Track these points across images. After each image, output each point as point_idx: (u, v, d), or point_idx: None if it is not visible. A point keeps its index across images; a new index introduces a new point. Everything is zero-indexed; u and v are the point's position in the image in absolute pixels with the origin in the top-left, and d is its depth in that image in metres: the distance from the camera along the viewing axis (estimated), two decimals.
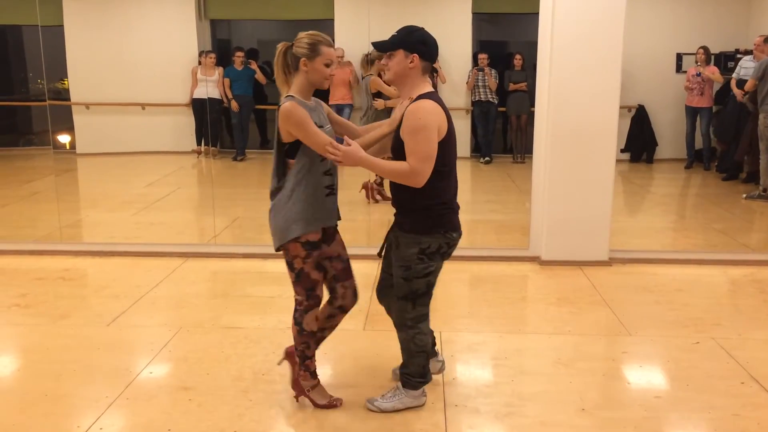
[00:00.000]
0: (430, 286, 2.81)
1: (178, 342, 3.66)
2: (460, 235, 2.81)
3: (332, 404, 2.96)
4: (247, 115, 9.05)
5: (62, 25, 9.19)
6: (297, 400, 3.00)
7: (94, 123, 9.55)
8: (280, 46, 2.81)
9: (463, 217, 2.87)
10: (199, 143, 9.28)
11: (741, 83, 7.78)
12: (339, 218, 3.00)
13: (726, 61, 8.82)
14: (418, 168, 2.59)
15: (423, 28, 2.72)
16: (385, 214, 6.33)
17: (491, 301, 4.31)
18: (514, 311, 4.17)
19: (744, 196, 7.17)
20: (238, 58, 9.06)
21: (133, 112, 9.39)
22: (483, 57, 9.19)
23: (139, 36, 9.45)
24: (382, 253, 2.99)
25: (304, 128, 2.68)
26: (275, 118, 2.79)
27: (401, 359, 2.95)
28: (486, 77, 9.16)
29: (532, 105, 5.18)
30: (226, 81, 9.00)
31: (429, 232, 2.72)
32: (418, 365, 2.89)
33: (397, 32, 2.72)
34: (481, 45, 9.74)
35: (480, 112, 9.28)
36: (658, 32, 9.28)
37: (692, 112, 8.78)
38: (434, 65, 2.82)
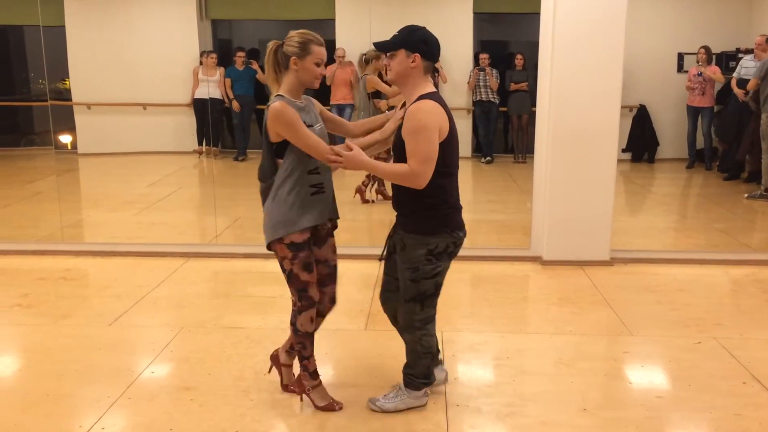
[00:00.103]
0: (438, 287, 2.80)
1: (180, 342, 3.66)
2: (465, 234, 2.80)
3: (331, 407, 2.94)
4: (248, 115, 9.05)
5: (64, 26, 9.20)
6: (301, 399, 2.99)
7: (96, 123, 9.56)
8: (270, 45, 2.79)
9: (464, 216, 2.87)
10: (200, 143, 9.28)
11: (741, 83, 7.77)
12: (336, 216, 2.97)
13: (727, 60, 8.81)
14: (418, 170, 2.58)
15: (424, 28, 2.71)
16: (385, 214, 6.34)
17: (493, 301, 4.31)
18: (515, 311, 4.16)
19: (746, 195, 7.16)
20: (240, 58, 9.06)
21: (134, 112, 9.39)
22: (484, 57, 9.19)
23: (140, 36, 9.46)
24: (384, 257, 2.96)
25: (294, 130, 2.65)
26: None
27: (405, 359, 2.94)
28: (487, 77, 9.16)
29: (534, 105, 5.18)
30: (228, 81, 9.00)
31: (435, 233, 2.71)
32: (424, 366, 2.88)
33: (398, 32, 2.71)
34: (482, 45, 9.74)
35: (481, 111, 9.28)
36: (660, 32, 9.27)
37: (694, 112, 8.78)
38: (435, 65, 2.81)
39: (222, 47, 9.99)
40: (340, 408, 2.94)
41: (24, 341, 3.74)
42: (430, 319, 2.85)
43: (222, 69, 9.11)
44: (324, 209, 2.86)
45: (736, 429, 2.82)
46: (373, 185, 6.80)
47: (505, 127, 9.85)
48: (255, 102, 9.19)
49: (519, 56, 9.37)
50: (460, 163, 2.81)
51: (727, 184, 8.00)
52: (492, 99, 9.24)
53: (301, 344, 2.90)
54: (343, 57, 8.25)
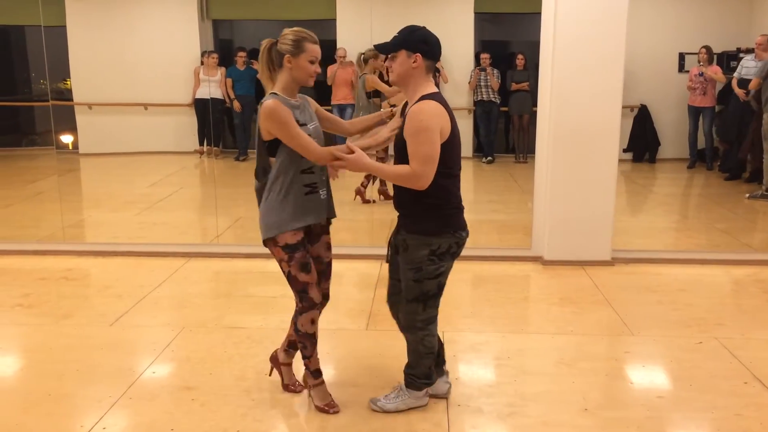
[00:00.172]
0: (441, 287, 2.79)
1: (181, 342, 3.67)
2: (467, 234, 2.79)
3: (327, 409, 2.92)
4: (249, 115, 9.05)
5: (65, 26, 9.21)
6: (309, 395, 3.00)
7: (97, 123, 9.57)
8: (264, 43, 2.78)
9: (465, 216, 2.86)
10: (201, 143, 9.28)
11: (742, 83, 7.77)
12: (332, 216, 2.95)
13: (729, 60, 8.81)
14: (420, 170, 2.57)
15: (424, 27, 2.70)
16: (386, 214, 6.34)
17: (494, 301, 4.31)
18: (516, 311, 4.16)
19: (747, 195, 7.16)
20: (241, 58, 9.07)
21: (135, 113, 9.40)
22: (485, 57, 9.19)
23: (141, 36, 9.46)
24: (389, 259, 2.93)
25: (286, 129, 2.64)
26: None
27: (406, 360, 2.93)
28: (488, 77, 9.16)
29: (535, 105, 5.18)
30: (229, 81, 9.01)
31: (438, 233, 2.70)
32: (425, 366, 2.88)
33: (398, 33, 2.70)
34: (483, 45, 9.74)
35: (482, 111, 9.28)
36: (661, 32, 9.27)
37: (695, 112, 8.77)
38: (437, 65, 2.80)
39: (223, 47, 10.00)
40: (336, 412, 2.91)
41: (25, 341, 3.74)
42: (432, 320, 2.84)
43: (223, 69, 9.11)
44: (319, 209, 2.84)
45: (737, 429, 2.82)
46: (373, 184, 6.80)
47: (506, 127, 9.85)
48: (256, 102, 9.11)
49: (520, 56, 9.37)
50: (461, 163, 2.81)
51: (729, 184, 8.00)
52: (493, 99, 9.24)
53: (302, 344, 2.90)
54: (344, 57, 8.25)
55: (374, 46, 2.78)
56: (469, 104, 9.41)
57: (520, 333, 3.81)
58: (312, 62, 2.73)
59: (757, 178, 7.54)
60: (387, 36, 2.76)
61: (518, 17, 10.08)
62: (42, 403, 3.02)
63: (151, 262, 5.04)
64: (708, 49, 8.53)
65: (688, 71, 8.96)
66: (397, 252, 2.83)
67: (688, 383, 3.20)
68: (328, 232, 2.98)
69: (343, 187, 7.05)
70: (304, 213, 2.78)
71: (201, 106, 9.08)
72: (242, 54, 9.09)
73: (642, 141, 9.42)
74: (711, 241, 5.78)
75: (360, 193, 6.74)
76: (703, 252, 5.21)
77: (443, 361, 3.06)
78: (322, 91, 8.76)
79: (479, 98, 9.26)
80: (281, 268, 2.83)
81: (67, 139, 9.36)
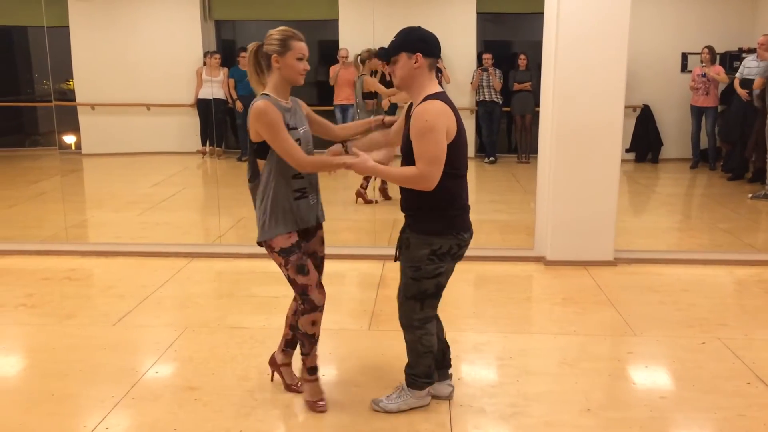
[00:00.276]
0: (440, 288, 2.79)
1: (184, 342, 3.67)
2: (471, 235, 2.78)
3: (315, 405, 2.92)
4: None
5: (68, 26, 9.23)
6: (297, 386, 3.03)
7: (100, 123, 9.59)
8: (250, 46, 2.78)
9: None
10: (204, 143, 9.30)
11: (744, 83, 7.76)
12: (321, 219, 2.97)
13: (731, 60, 8.79)
14: (426, 171, 2.55)
15: (420, 27, 2.69)
16: (389, 214, 6.33)
17: (496, 301, 4.31)
18: (519, 311, 4.16)
19: (750, 196, 7.15)
20: (243, 58, 9.06)
21: (138, 113, 9.42)
22: (487, 57, 9.19)
23: (144, 37, 9.48)
24: (397, 258, 2.94)
25: (273, 132, 2.63)
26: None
27: (407, 360, 2.94)
28: (490, 77, 9.16)
29: (537, 105, 5.18)
30: (231, 81, 9.02)
31: (441, 234, 2.69)
32: (425, 366, 2.88)
33: (395, 37, 2.69)
34: (485, 45, 9.74)
35: (484, 112, 9.28)
36: (664, 31, 9.26)
37: (697, 112, 8.76)
38: (438, 65, 2.80)
39: (225, 48, 10.02)
40: (322, 410, 2.91)
41: (28, 341, 3.75)
42: (430, 319, 2.84)
43: (225, 69, 9.13)
44: (308, 214, 2.84)
45: (740, 429, 2.81)
46: (375, 180, 6.79)
47: (508, 127, 9.86)
48: None
49: (522, 56, 9.37)
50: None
51: (731, 184, 7.99)
52: (495, 99, 9.24)
53: (300, 342, 2.92)
54: (347, 57, 8.26)
55: (375, 55, 2.78)
56: (471, 104, 9.41)
57: (523, 333, 3.81)
58: (300, 59, 2.71)
59: (760, 178, 7.52)
60: (389, 36, 2.76)
61: (520, 17, 10.08)
62: (45, 403, 3.03)
63: (154, 263, 5.05)
64: (711, 49, 8.52)
65: (690, 71, 8.95)
66: (400, 249, 2.84)
67: (690, 384, 3.20)
68: (321, 227, 2.99)
69: (345, 187, 7.06)
70: (294, 217, 2.79)
71: (203, 107, 9.09)
72: (245, 54, 9.07)
73: (645, 141, 9.41)
74: (714, 241, 5.78)
75: (361, 194, 6.74)
76: (706, 252, 5.20)
77: (449, 364, 3.06)
78: (324, 92, 8.78)
79: (481, 98, 9.26)
80: (281, 271, 2.84)
81: (69, 139, 9.38)
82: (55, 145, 8.04)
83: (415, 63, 2.64)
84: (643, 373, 3.35)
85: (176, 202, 7.39)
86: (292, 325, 3.05)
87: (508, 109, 9.43)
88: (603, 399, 3.06)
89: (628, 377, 3.30)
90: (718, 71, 8.47)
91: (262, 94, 2.73)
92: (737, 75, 7.95)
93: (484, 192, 7.77)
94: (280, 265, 2.81)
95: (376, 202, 6.72)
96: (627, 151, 9.22)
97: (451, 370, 3.09)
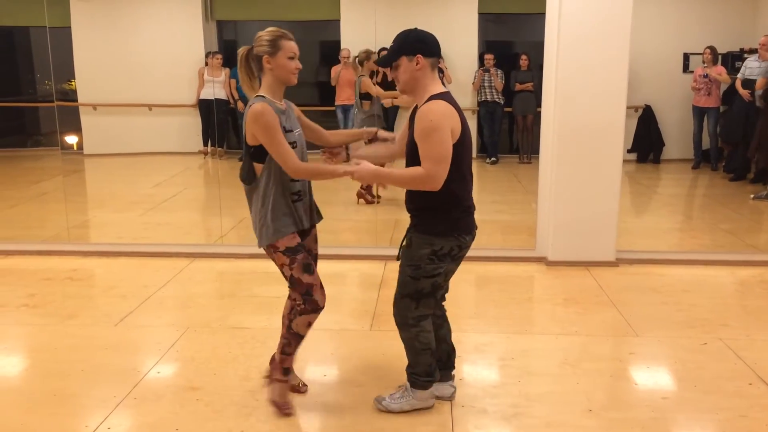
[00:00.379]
0: (436, 288, 2.79)
1: (186, 342, 3.67)
2: (473, 237, 2.77)
3: (282, 408, 2.88)
4: None
5: (70, 27, 9.24)
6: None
7: (102, 124, 9.60)
8: (240, 51, 2.76)
9: None
10: (205, 144, 9.31)
11: (746, 83, 7.75)
12: (319, 218, 2.98)
13: (733, 60, 8.79)
14: (433, 171, 2.54)
15: (416, 28, 2.68)
16: (391, 214, 6.34)
17: (498, 302, 4.31)
18: (520, 312, 4.16)
19: (752, 196, 7.15)
20: None
21: (140, 113, 9.43)
22: (489, 57, 9.20)
23: (145, 37, 9.49)
24: (399, 257, 2.95)
25: (270, 135, 2.61)
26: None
27: (407, 360, 2.94)
28: (492, 78, 9.16)
29: (539, 105, 5.18)
30: (233, 82, 9.02)
31: (442, 235, 2.69)
32: (425, 364, 2.87)
33: (393, 42, 2.69)
34: (487, 45, 9.75)
35: (486, 112, 9.28)
36: (665, 32, 9.26)
37: (699, 113, 8.76)
38: (440, 66, 2.79)
39: (227, 48, 10.02)
40: (288, 414, 2.88)
41: (30, 341, 3.76)
42: (425, 317, 2.83)
43: (227, 70, 9.13)
44: (305, 214, 2.86)
45: (742, 430, 2.81)
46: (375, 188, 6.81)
47: (510, 127, 9.86)
48: None
49: (524, 56, 9.37)
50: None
51: (733, 184, 7.98)
52: (497, 99, 9.24)
53: (287, 340, 2.89)
54: (348, 58, 8.26)
55: (375, 62, 2.77)
56: (472, 105, 9.42)
57: (525, 334, 3.81)
58: (291, 58, 2.70)
59: (762, 178, 7.52)
60: (391, 36, 2.76)
61: (522, 18, 10.08)
62: (47, 403, 3.03)
63: (156, 263, 5.05)
64: (712, 49, 8.52)
65: (692, 72, 8.95)
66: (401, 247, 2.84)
67: (692, 384, 3.19)
68: (314, 226, 3.00)
69: (347, 188, 7.05)
70: (294, 219, 2.80)
71: (205, 107, 9.10)
72: None
73: (646, 141, 9.41)
74: (715, 241, 5.77)
75: (362, 195, 6.74)
76: (708, 253, 5.20)
77: (452, 366, 3.06)
78: (326, 92, 8.78)
79: (483, 99, 9.26)
80: (283, 273, 2.83)
81: (71, 139, 9.39)
82: (57, 146, 8.06)
83: (417, 65, 2.63)
84: (644, 373, 3.35)
85: (178, 202, 7.39)
86: None
87: (509, 109, 9.43)
88: (605, 399, 3.06)
89: (629, 378, 3.30)
90: (719, 72, 8.46)
91: (258, 95, 2.72)
92: (739, 75, 7.95)
93: (486, 192, 7.77)
94: (283, 265, 2.80)
95: (378, 202, 6.72)
96: (629, 151, 9.23)
97: (453, 372, 3.09)
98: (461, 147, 2.62)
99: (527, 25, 10.17)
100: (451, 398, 3.03)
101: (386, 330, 3.79)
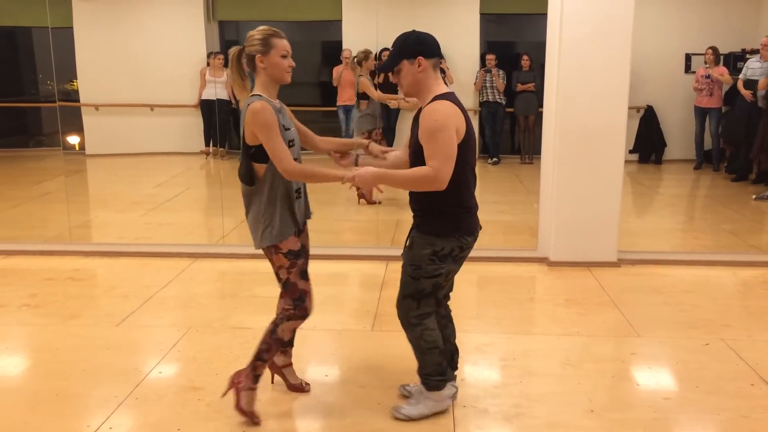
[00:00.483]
0: (437, 288, 2.79)
1: (187, 342, 3.68)
2: (475, 238, 2.76)
3: (252, 418, 2.81)
4: None
5: (72, 27, 9.25)
6: (224, 394, 2.88)
7: (104, 124, 9.61)
8: (232, 51, 2.74)
9: None
10: (207, 144, 9.32)
11: (748, 83, 7.74)
12: (309, 216, 2.97)
13: (735, 61, 8.78)
14: (439, 170, 2.52)
15: (414, 30, 2.67)
16: (392, 215, 6.34)
17: (499, 302, 4.30)
18: (522, 312, 4.16)
19: (754, 197, 7.14)
20: None
21: (141, 113, 9.44)
22: (490, 58, 9.20)
23: (147, 37, 9.50)
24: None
25: (269, 133, 2.59)
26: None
27: (412, 361, 2.92)
28: (493, 78, 9.16)
29: (540, 105, 5.18)
30: None
31: (444, 235, 2.68)
32: (433, 363, 2.85)
33: (392, 47, 2.68)
34: (488, 46, 9.75)
35: (488, 112, 9.28)
36: (667, 32, 9.25)
37: (701, 113, 8.75)
38: (442, 66, 2.78)
39: (229, 48, 10.00)
40: (257, 423, 2.82)
41: (32, 341, 3.76)
42: (427, 315, 2.81)
43: (229, 70, 9.12)
44: (303, 211, 2.87)
45: (743, 431, 2.81)
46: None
47: (511, 128, 9.86)
48: None
49: (525, 57, 9.37)
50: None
51: (735, 185, 7.97)
52: (498, 100, 9.24)
53: (266, 345, 2.81)
54: (350, 58, 8.26)
55: (376, 68, 2.76)
56: (474, 105, 9.41)
57: (526, 334, 3.81)
58: (284, 56, 2.68)
59: (764, 179, 7.52)
60: (392, 37, 2.75)
61: (524, 18, 10.08)
62: (49, 403, 3.03)
63: (158, 263, 5.06)
64: (714, 50, 8.51)
65: (694, 72, 8.94)
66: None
67: (694, 385, 3.19)
68: (306, 222, 2.99)
69: (347, 188, 7.04)
70: (299, 216, 2.80)
71: (207, 107, 9.10)
72: None
73: (648, 142, 9.40)
74: (717, 242, 5.77)
75: (363, 195, 6.74)
76: (710, 253, 5.19)
77: (455, 367, 3.05)
78: (327, 92, 8.78)
79: (485, 99, 9.26)
80: (278, 275, 2.81)
81: (73, 140, 9.40)
82: (59, 146, 8.07)
83: (419, 67, 2.62)
84: (646, 374, 3.34)
85: (180, 202, 7.40)
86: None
87: (511, 109, 9.43)
88: (606, 400, 3.06)
89: (631, 378, 3.30)
90: (721, 72, 8.46)
91: (255, 94, 2.70)
92: (740, 76, 7.94)
93: (488, 193, 7.77)
94: (281, 267, 2.78)
95: (380, 203, 6.72)
96: (630, 152, 9.23)
97: (456, 372, 3.08)
98: (466, 147, 2.61)
99: (529, 25, 10.17)
100: (453, 398, 3.03)
101: (388, 330, 3.79)
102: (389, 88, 6.99)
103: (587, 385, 3.19)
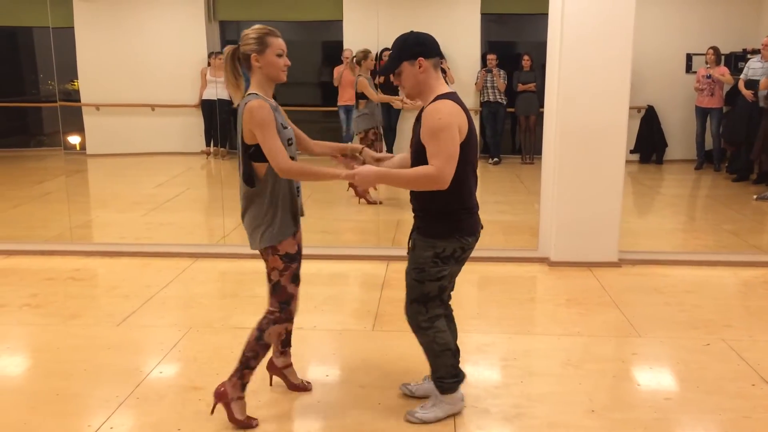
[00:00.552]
0: (442, 290, 2.78)
1: (188, 342, 3.68)
2: (476, 239, 2.76)
3: (249, 424, 2.80)
4: None
5: (73, 27, 9.25)
6: (212, 411, 2.86)
7: (105, 124, 9.61)
8: (227, 50, 2.72)
9: None
10: (208, 144, 9.31)
11: (749, 84, 7.74)
12: (303, 213, 2.95)
13: (736, 61, 8.78)
14: (442, 169, 2.51)
15: (413, 31, 2.67)
16: (393, 215, 6.34)
17: (500, 302, 4.30)
18: (523, 312, 4.16)
19: (755, 197, 7.13)
20: None
21: (142, 113, 9.44)
22: (491, 58, 9.19)
23: (148, 37, 9.50)
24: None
25: (266, 131, 2.58)
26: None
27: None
28: (494, 78, 9.15)
29: (541, 105, 5.17)
30: None
31: (445, 236, 2.68)
32: (447, 366, 2.84)
33: (391, 49, 2.67)
34: (489, 46, 9.74)
35: (488, 112, 9.28)
36: (668, 32, 9.25)
37: (702, 113, 8.74)
38: (443, 66, 2.78)
39: None
40: (256, 425, 2.83)
41: (33, 341, 3.76)
42: (437, 317, 2.81)
43: None
44: (299, 209, 2.87)
45: (744, 431, 2.80)
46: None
47: (512, 128, 9.85)
48: None
49: (526, 57, 9.36)
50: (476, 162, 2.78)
51: (736, 185, 7.97)
52: (499, 100, 9.23)
53: (254, 352, 2.80)
54: (350, 58, 8.26)
55: (377, 72, 2.75)
56: (475, 105, 9.41)
57: (527, 334, 3.80)
58: (279, 55, 2.67)
59: (765, 179, 7.51)
60: (393, 37, 2.74)
61: (525, 18, 10.07)
62: (49, 403, 3.04)
63: (158, 263, 5.06)
64: (715, 50, 8.51)
65: (695, 72, 8.93)
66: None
67: (695, 385, 3.19)
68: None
69: (347, 188, 7.05)
70: (295, 215, 2.80)
71: (208, 107, 9.10)
72: None
73: (649, 142, 9.39)
74: (718, 242, 5.76)
75: (363, 195, 6.74)
76: (711, 253, 5.19)
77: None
78: (328, 92, 8.78)
79: (485, 99, 9.25)
80: (270, 276, 2.80)
81: (74, 140, 9.40)
82: (60, 146, 8.06)
83: (420, 68, 2.61)
84: (647, 374, 3.34)
85: (180, 202, 7.40)
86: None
87: (512, 109, 9.43)
88: (607, 400, 3.06)
89: (632, 378, 3.29)
90: (722, 72, 8.45)
91: (251, 93, 2.68)
92: (741, 76, 7.93)
93: (489, 193, 7.77)
94: (274, 269, 2.77)
95: (380, 203, 6.72)
96: (631, 152, 9.22)
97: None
98: (467, 146, 2.60)
99: (530, 25, 10.17)
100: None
101: (388, 330, 3.79)
102: (390, 88, 7.00)
103: (588, 385, 3.18)
